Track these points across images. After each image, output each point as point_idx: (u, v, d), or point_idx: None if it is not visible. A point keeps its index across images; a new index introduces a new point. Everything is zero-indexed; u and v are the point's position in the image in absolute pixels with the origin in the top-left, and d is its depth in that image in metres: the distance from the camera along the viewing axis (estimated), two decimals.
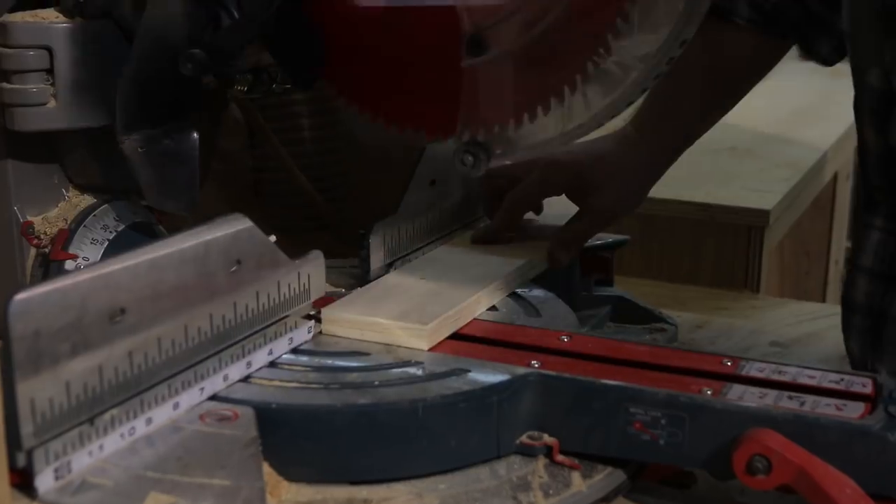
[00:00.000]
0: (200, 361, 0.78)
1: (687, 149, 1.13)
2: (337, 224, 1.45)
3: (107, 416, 0.71)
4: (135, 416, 0.73)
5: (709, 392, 0.80)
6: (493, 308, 0.98)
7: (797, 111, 2.04)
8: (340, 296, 0.98)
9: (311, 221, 1.47)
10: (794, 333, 1.22)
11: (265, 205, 1.47)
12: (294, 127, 1.43)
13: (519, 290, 1.03)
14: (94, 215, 1.01)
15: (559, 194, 1.09)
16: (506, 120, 0.82)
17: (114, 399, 0.71)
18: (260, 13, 0.82)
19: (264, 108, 1.41)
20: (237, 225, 0.80)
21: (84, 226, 1.00)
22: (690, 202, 1.39)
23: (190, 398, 0.77)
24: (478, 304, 0.96)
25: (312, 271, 0.90)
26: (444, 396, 0.79)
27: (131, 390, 0.72)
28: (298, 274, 0.88)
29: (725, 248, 1.45)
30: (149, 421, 0.73)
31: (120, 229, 1.01)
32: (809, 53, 1.19)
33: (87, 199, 1.03)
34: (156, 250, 0.73)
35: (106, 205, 1.02)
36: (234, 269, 0.80)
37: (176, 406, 0.76)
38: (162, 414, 0.74)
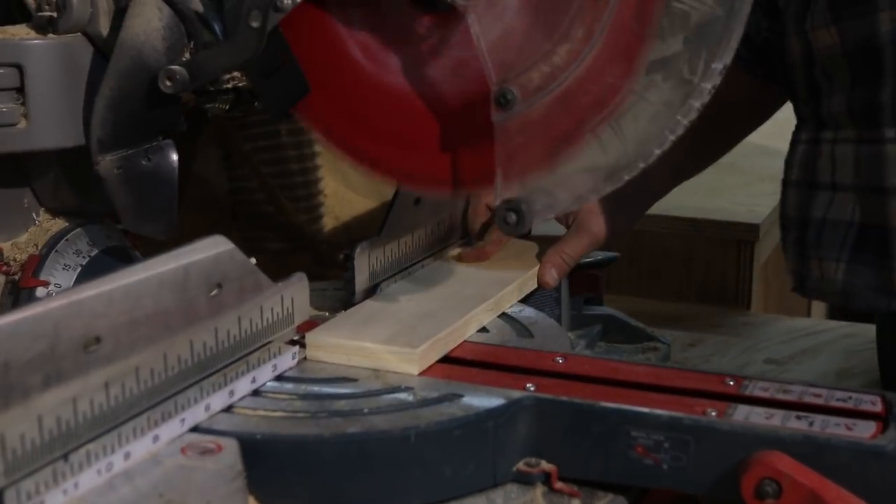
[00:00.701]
0: (181, 391, 0.74)
1: (678, 184, 1.11)
2: (317, 245, 1.42)
3: (82, 451, 0.66)
4: (112, 451, 0.68)
5: (713, 413, 0.77)
6: (483, 329, 0.95)
7: (778, 122, 2.02)
8: (324, 319, 0.94)
9: (290, 243, 1.43)
10: (789, 350, 1.19)
11: (243, 228, 1.43)
12: (273, 146, 1.40)
13: (509, 311, 1.00)
14: (67, 240, 0.97)
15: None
16: (541, 168, 0.80)
17: (89, 433, 0.67)
18: (250, 47, 0.78)
19: (242, 126, 1.38)
20: (218, 247, 0.76)
21: (56, 251, 0.96)
22: (679, 217, 1.36)
23: (170, 430, 0.73)
24: (468, 325, 0.93)
25: (296, 294, 0.86)
26: (437, 423, 0.76)
27: (108, 423, 0.68)
28: (282, 297, 0.84)
29: (715, 263, 1.42)
30: (127, 455, 0.69)
31: (93, 254, 0.97)
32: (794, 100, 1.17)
33: (59, 223, 1.00)
34: (132, 275, 0.69)
35: (79, 229, 0.98)
36: (214, 293, 0.76)
37: (156, 439, 0.72)
38: (141, 448, 0.70)
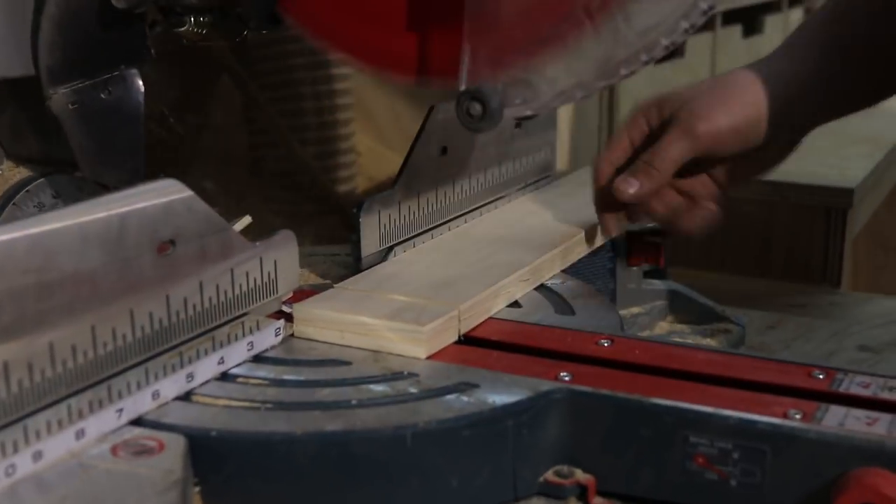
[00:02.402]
0: (117, 374, 0.59)
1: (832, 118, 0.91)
2: (346, 207, 1.26)
3: None
4: (15, 450, 0.53)
5: (797, 416, 0.60)
6: (515, 304, 0.78)
7: None
8: (326, 290, 0.78)
9: (317, 204, 1.28)
10: (887, 336, 1.01)
11: (265, 186, 1.28)
12: (293, 96, 1.24)
13: (548, 282, 0.83)
14: (28, 191, 0.83)
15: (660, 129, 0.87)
16: (520, 56, 0.62)
17: None
18: None
19: (258, 74, 1.23)
20: (169, 194, 0.61)
21: (14, 203, 0.82)
22: (759, 180, 1.17)
23: (101, 423, 0.58)
24: (496, 298, 0.76)
25: (281, 257, 0.70)
26: (441, 421, 0.60)
27: (9, 415, 0.53)
28: (261, 260, 0.69)
29: (801, 233, 1.23)
30: (37, 456, 0.54)
31: (60, 209, 0.83)
32: None
33: (25, 173, 0.85)
34: (41, 224, 0.54)
35: (42, 179, 0.84)
36: (166, 252, 0.61)
37: (80, 434, 0.56)
38: (57, 446, 0.55)
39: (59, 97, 0.74)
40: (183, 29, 0.74)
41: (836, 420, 0.59)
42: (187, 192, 0.62)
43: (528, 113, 0.63)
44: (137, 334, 0.60)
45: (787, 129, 0.86)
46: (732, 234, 1.27)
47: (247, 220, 0.86)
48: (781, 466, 0.59)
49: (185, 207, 0.62)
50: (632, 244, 0.94)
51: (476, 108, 0.61)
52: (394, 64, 0.70)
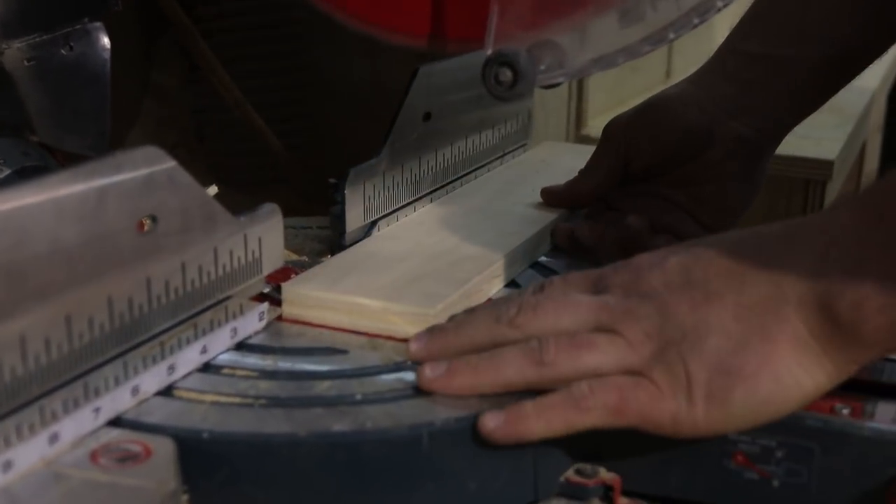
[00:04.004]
0: (93, 369, 0.52)
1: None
2: (298, 175, 1.19)
3: None
4: None
5: (845, 412, 0.55)
6: (512, 284, 0.73)
7: None
8: (304, 267, 0.72)
9: (267, 172, 1.20)
10: None
11: (210, 152, 1.20)
12: (246, 56, 1.16)
13: (543, 259, 0.77)
14: None
15: None
16: (555, 17, 0.56)
17: None
18: None
19: (209, 32, 1.14)
20: (151, 163, 0.54)
21: None
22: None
23: (77, 425, 0.50)
24: (494, 278, 0.71)
25: (266, 233, 0.63)
26: (459, 419, 0.54)
27: None
28: (245, 237, 0.62)
29: (777, 206, 1.20)
30: (6, 466, 0.47)
31: (4, 175, 0.75)
32: None
33: None
34: (12, 198, 0.46)
35: None
36: (146, 230, 0.54)
37: (54, 439, 0.49)
38: (29, 453, 0.48)
39: (13, 52, 0.66)
40: None
41: (890, 415, 0.55)
42: (170, 162, 0.55)
43: (561, 80, 0.57)
44: (116, 323, 0.52)
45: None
46: None
47: (213, 189, 0.79)
48: (831, 466, 0.54)
49: (168, 178, 0.55)
50: None
51: (506, 73, 0.55)
52: (407, 25, 0.63)
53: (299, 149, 1.19)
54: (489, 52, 0.56)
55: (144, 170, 0.53)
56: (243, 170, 1.19)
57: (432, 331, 0.60)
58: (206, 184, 1.22)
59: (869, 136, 1.77)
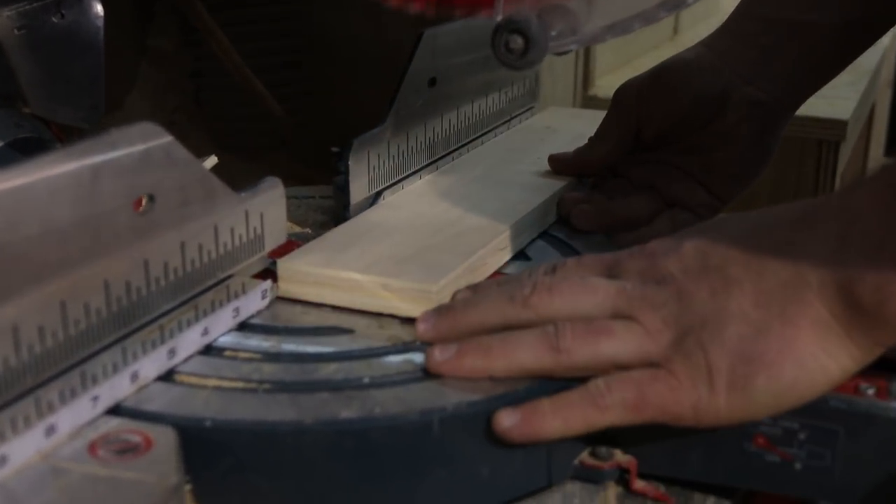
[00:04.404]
0: (91, 356, 0.50)
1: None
2: (300, 141, 1.16)
3: None
4: None
5: (871, 392, 0.53)
6: (521, 255, 0.71)
7: None
8: (307, 239, 0.69)
9: (266, 138, 1.18)
10: None
11: (209, 117, 1.17)
12: (246, 18, 1.13)
13: (552, 230, 0.75)
14: None
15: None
16: None
17: None
18: None
19: None
20: (147, 139, 0.51)
21: None
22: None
23: (74, 415, 0.48)
24: (499, 250, 0.68)
25: (268, 208, 0.61)
26: (471, 403, 0.52)
27: None
28: (246, 213, 0.59)
29: (789, 168, 1.17)
30: (2, 461, 0.45)
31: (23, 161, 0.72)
32: None
33: None
34: (3, 179, 0.44)
35: None
36: (143, 209, 0.51)
37: (51, 431, 0.47)
38: (25, 447, 0.46)
39: (2, 20, 0.63)
40: None
41: None
42: (167, 137, 0.52)
43: (573, 47, 0.55)
44: (113, 308, 0.50)
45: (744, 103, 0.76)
46: None
47: (212, 160, 0.77)
48: (855, 448, 0.52)
49: (165, 154, 0.52)
50: None
51: (517, 41, 0.52)
52: None
53: (301, 113, 1.17)
54: (499, 18, 0.54)
55: (140, 145, 0.51)
56: (244, 135, 1.17)
57: (440, 310, 0.58)
58: (206, 150, 1.20)
59: (879, 93, 1.73)
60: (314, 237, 0.70)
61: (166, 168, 0.52)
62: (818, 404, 0.52)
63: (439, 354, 0.54)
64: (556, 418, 0.52)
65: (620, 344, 0.53)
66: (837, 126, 1.17)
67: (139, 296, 0.52)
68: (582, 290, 0.55)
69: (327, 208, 0.77)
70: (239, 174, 1.23)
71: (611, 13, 0.54)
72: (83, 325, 0.49)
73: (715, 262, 0.54)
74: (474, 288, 0.61)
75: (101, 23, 0.65)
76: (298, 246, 0.68)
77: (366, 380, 0.53)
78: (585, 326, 0.54)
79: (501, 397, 0.52)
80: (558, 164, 0.80)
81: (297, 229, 0.75)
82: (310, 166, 1.13)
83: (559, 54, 0.56)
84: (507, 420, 0.51)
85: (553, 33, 0.54)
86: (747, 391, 0.51)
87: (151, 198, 0.52)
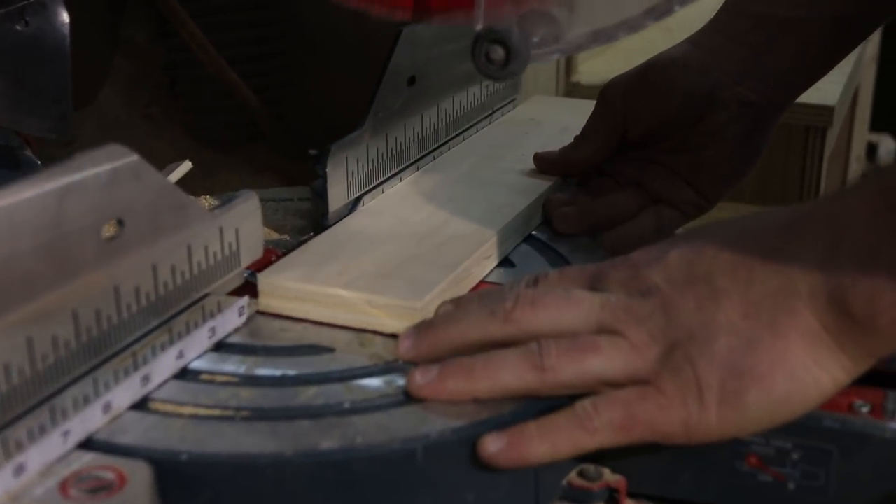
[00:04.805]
0: (60, 390, 0.48)
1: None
2: (277, 132, 1.14)
3: None
4: None
5: (864, 409, 0.52)
6: (507, 262, 0.69)
7: None
8: (285, 247, 0.68)
9: (243, 129, 1.15)
10: None
11: (184, 109, 1.15)
12: (217, 8, 1.10)
13: (536, 232, 0.73)
14: None
15: None
16: None
17: None
18: None
19: None
20: (114, 160, 0.49)
21: None
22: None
23: (44, 452, 0.47)
24: (485, 259, 0.67)
25: (243, 222, 0.59)
26: (456, 430, 0.50)
27: None
28: (221, 229, 0.58)
29: (776, 155, 1.16)
30: None
31: None
32: None
33: None
34: None
35: None
36: (112, 233, 0.50)
37: (19, 471, 0.46)
38: None
39: None
40: None
41: None
42: (133, 156, 0.50)
43: (556, 56, 0.53)
44: (83, 339, 0.49)
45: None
46: None
47: (186, 165, 0.74)
48: (850, 468, 0.51)
49: (134, 175, 0.50)
50: None
51: (498, 52, 0.50)
52: None
53: (278, 104, 1.14)
54: (479, 27, 0.52)
55: (107, 166, 0.49)
56: (220, 127, 1.14)
57: (421, 327, 0.56)
58: (182, 143, 1.18)
59: (863, 70, 1.72)
60: (292, 244, 0.68)
61: (134, 188, 0.50)
62: (811, 424, 0.51)
63: (420, 378, 0.52)
64: (543, 443, 0.50)
65: (607, 361, 0.51)
66: (825, 112, 1.16)
67: (110, 324, 0.50)
68: (565, 303, 0.54)
69: (305, 212, 0.76)
70: (216, 167, 1.20)
71: (595, 20, 0.52)
72: (51, 359, 0.47)
73: (701, 271, 0.52)
74: (456, 302, 0.59)
75: (66, 30, 0.63)
76: (276, 255, 0.66)
77: (346, 405, 0.52)
78: (570, 343, 0.52)
79: (486, 422, 0.51)
80: (543, 164, 0.78)
81: (275, 236, 0.73)
82: (289, 158, 1.11)
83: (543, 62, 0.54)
84: (492, 446, 0.50)
85: (535, 40, 0.52)
86: (739, 406, 0.49)
87: (120, 222, 0.50)
